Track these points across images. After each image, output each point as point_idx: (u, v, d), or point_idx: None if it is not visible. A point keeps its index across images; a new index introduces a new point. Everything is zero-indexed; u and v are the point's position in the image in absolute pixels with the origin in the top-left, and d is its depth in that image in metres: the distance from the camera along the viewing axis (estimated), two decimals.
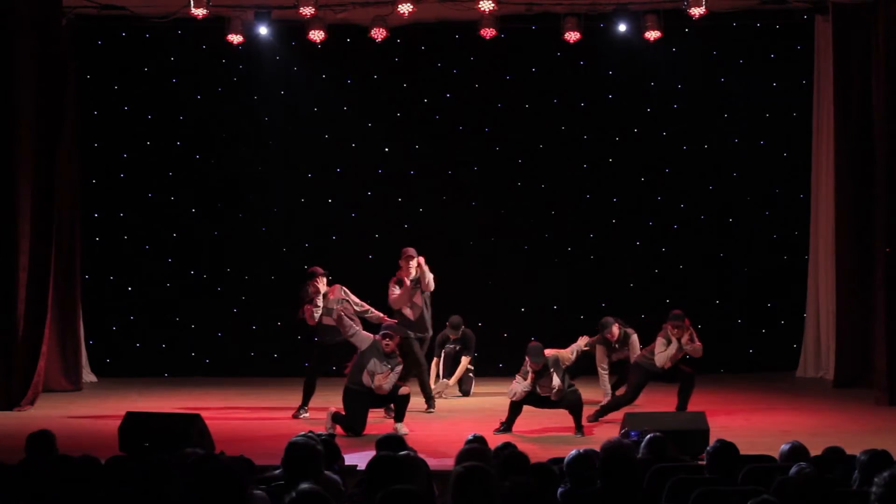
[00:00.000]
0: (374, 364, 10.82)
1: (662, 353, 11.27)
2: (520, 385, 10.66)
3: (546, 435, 10.67)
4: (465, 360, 13.27)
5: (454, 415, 11.91)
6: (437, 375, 13.24)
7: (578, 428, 10.65)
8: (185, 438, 8.46)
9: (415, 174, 15.16)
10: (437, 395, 12.86)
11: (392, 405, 11.07)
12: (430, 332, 12.45)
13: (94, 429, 10.85)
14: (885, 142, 12.74)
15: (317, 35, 13.60)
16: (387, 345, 10.89)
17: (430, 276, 12.25)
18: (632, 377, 11.63)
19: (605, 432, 10.45)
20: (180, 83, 15.02)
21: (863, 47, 13.44)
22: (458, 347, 13.31)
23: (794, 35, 14.86)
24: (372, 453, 5.42)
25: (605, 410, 11.47)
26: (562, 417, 10.94)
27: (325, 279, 11.88)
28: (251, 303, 14.93)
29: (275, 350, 14.62)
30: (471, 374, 13.20)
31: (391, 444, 6.29)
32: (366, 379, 10.80)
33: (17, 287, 12.49)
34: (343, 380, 11.23)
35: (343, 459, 7.49)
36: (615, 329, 12.16)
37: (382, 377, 10.77)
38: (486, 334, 14.08)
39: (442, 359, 13.35)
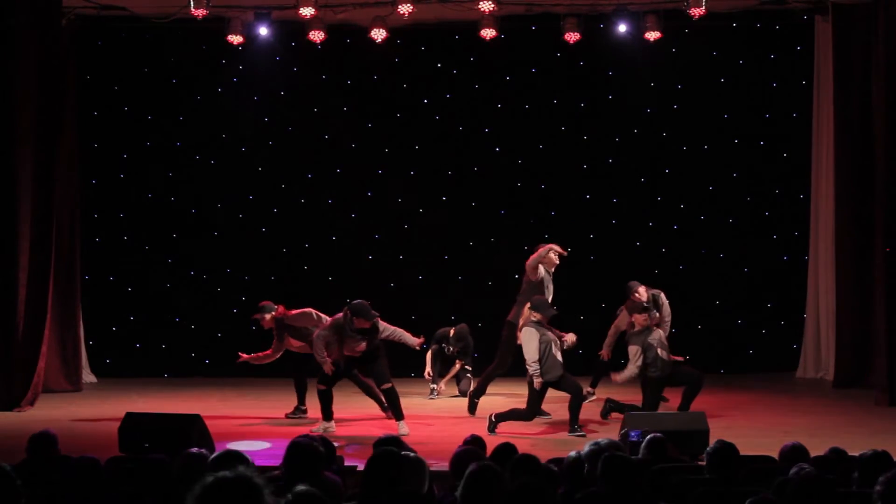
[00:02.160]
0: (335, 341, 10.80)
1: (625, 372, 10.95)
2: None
3: (544, 436, 10.67)
4: (458, 365, 13.28)
5: (454, 416, 11.90)
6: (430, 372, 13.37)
7: (574, 426, 10.62)
8: (184, 439, 8.45)
9: (415, 174, 15.17)
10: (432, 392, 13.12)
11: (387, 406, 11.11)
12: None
13: (93, 429, 10.85)
14: (885, 141, 12.74)
15: (317, 35, 13.62)
16: (359, 321, 10.75)
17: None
18: (645, 389, 11.17)
19: (605, 432, 10.44)
20: (180, 84, 15.02)
21: (863, 47, 13.45)
22: (456, 351, 13.31)
23: (794, 35, 14.86)
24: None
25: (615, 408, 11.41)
26: (558, 419, 10.94)
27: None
28: (251, 303, 14.88)
29: None
30: (469, 375, 13.19)
31: (390, 445, 6.28)
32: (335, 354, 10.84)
33: (17, 287, 12.49)
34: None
35: (343, 459, 7.49)
36: (642, 291, 11.86)
37: (355, 344, 10.80)
38: (486, 335, 14.05)
39: (432, 354, 13.33)
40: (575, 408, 10.68)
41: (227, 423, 11.05)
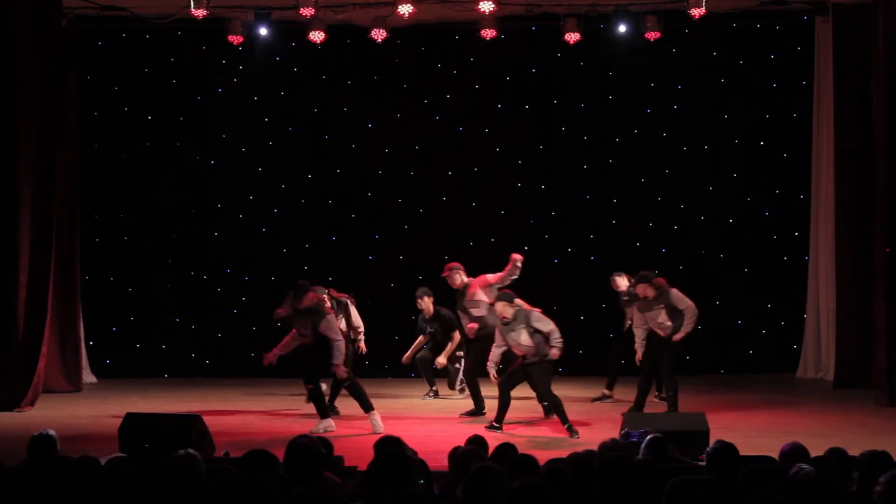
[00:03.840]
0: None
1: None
2: (497, 349, 10.78)
3: (543, 436, 10.66)
4: (456, 336, 12.79)
5: (454, 416, 11.89)
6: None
7: (567, 426, 10.60)
8: (184, 439, 8.45)
9: (415, 175, 15.17)
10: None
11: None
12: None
13: (93, 429, 10.85)
14: (885, 142, 12.74)
15: (317, 36, 13.63)
16: (296, 300, 10.81)
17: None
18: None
19: (605, 433, 10.44)
20: (180, 84, 15.03)
21: (863, 48, 13.45)
22: (438, 328, 12.95)
23: (794, 36, 14.86)
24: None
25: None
26: (557, 419, 10.93)
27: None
28: (251, 303, 14.93)
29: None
30: (458, 366, 12.98)
31: (390, 445, 6.28)
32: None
33: (17, 288, 12.49)
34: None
35: (343, 459, 7.49)
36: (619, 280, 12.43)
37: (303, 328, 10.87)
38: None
39: (422, 342, 13.11)
40: (557, 409, 10.72)
41: (227, 424, 11.04)
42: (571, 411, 10.83)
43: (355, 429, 10.94)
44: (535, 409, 11.59)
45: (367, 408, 10.82)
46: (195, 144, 15.13)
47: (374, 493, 4.93)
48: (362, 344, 11.94)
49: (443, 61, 15.14)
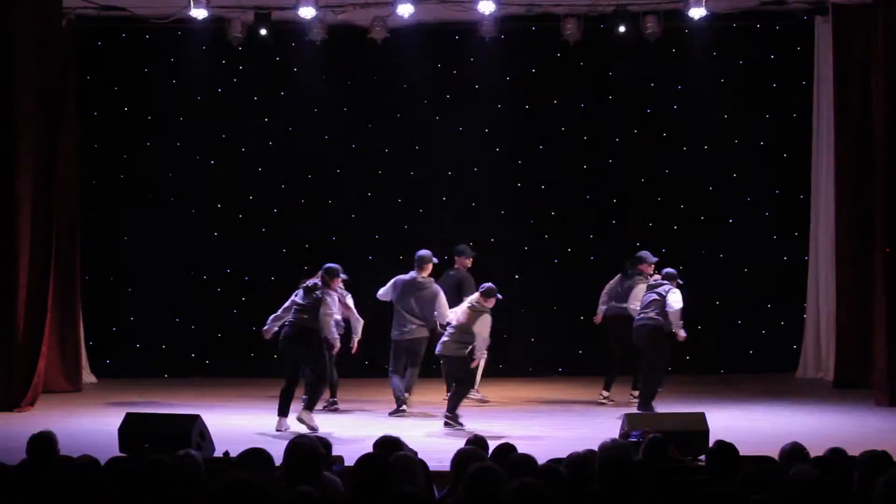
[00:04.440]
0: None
1: None
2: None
3: (544, 436, 10.66)
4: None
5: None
6: None
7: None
8: (184, 439, 8.46)
9: (415, 175, 15.17)
10: None
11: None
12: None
13: (93, 429, 10.85)
14: (885, 142, 12.74)
15: (317, 36, 13.62)
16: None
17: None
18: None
19: (605, 433, 10.44)
20: (180, 84, 15.02)
21: (863, 48, 13.45)
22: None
23: (793, 36, 14.86)
24: None
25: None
26: (557, 419, 10.93)
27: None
28: (251, 303, 14.92)
29: (275, 351, 14.59)
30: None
31: (389, 445, 6.28)
32: None
33: (16, 288, 12.48)
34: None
35: (342, 459, 7.49)
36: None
37: None
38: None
39: None
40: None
41: (227, 424, 11.03)
42: (572, 410, 10.84)
43: (355, 429, 10.94)
44: (533, 410, 11.59)
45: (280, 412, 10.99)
46: (195, 144, 15.13)
47: (364, 493, 4.94)
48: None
49: (443, 61, 15.14)
